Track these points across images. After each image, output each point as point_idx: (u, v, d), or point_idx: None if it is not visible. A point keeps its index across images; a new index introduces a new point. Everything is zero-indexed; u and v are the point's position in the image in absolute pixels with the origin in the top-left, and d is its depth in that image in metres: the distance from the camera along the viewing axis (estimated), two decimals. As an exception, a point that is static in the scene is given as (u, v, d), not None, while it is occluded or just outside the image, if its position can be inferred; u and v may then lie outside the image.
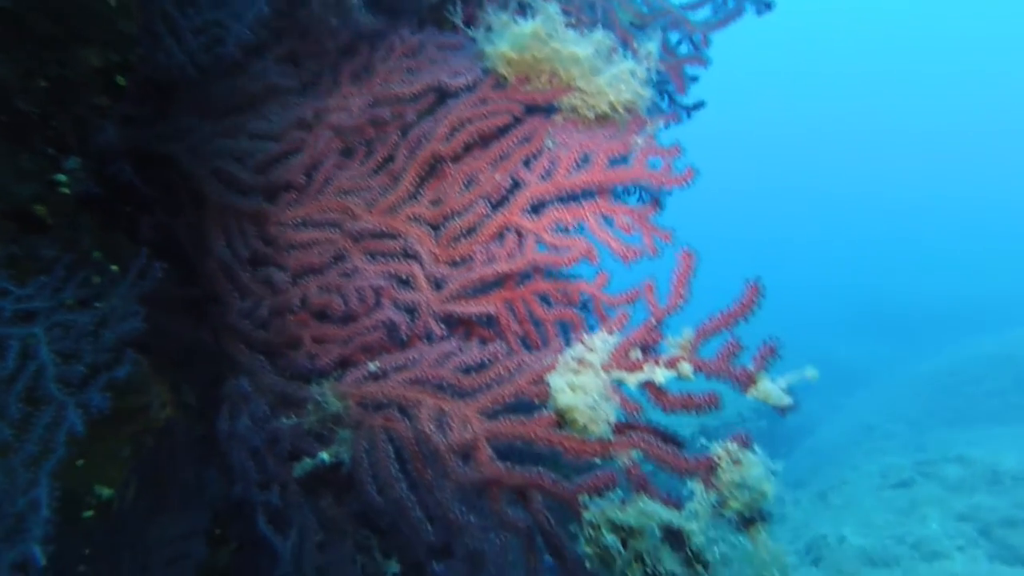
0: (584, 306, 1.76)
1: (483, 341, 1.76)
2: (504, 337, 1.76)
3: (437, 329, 1.74)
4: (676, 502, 1.33)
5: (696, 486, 1.32)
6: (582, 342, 1.44)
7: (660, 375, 1.37)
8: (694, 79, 2.65)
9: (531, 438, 1.40)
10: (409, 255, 1.83)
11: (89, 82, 1.66)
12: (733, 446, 1.32)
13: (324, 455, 1.49)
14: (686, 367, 1.36)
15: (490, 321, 1.78)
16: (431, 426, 1.44)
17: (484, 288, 1.77)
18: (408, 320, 1.74)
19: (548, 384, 1.38)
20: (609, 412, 1.36)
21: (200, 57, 1.75)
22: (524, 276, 1.77)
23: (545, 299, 1.76)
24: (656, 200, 1.78)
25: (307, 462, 1.49)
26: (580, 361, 1.41)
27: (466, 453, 1.42)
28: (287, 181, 1.88)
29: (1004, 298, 16.86)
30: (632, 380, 1.39)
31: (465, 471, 1.39)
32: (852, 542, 5.69)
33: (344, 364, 1.72)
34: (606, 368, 1.41)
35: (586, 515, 1.30)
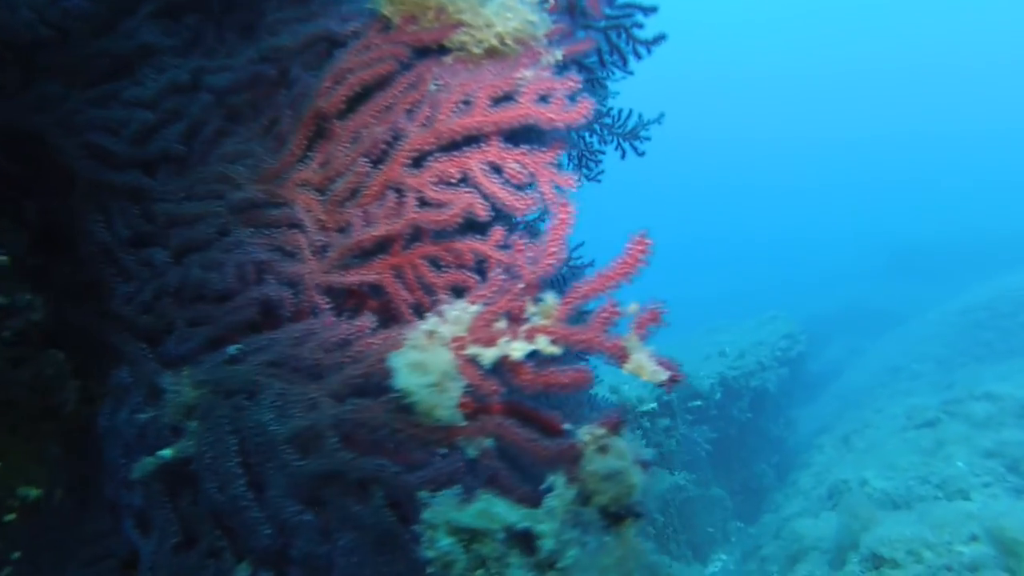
0: (479, 268, 1.55)
1: (371, 314, 1.57)
2: (396, 307, 1.57)
3: (321, 302, 1.57)
4: (534, 498, 1.12)
5: (557, 479, 1.11)
6: (438, 313, 1.24)
7: (517, 349, 1.15)
8: (653, 9, 2.37)
9: (375, 424, 1.21)
10: (295, 224, 1.66)
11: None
12: (599, 431, 1.10)
13: (167, 451, 1.34)
14: (542, 340, 1.13)
15: (380, 291, 1.59)
16: (270, 414, 1.27)
17: (368, 254, 1.58)
18: (291, 295, 1.58)
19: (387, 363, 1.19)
20: (455, 393, 1.15)
21: (49, 13, 1.60)
22: (412, 239, 1.57)
23: (435, 263, 1.55)
24: (559, 141, 1.53)
25: (147, 461, 1.34)
26: (430, 335, 1.20)
27: (307, 443, 1.24)
28: (166, 152, 1.73)
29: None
30: (488, 356, 1.17)
31: (302, 464, 1.22)
32: (875, 485, 5.28)
33: (218, 346, 1.56)
34: (461, 342, 1.20)
35: (426, 514, 1.11)
